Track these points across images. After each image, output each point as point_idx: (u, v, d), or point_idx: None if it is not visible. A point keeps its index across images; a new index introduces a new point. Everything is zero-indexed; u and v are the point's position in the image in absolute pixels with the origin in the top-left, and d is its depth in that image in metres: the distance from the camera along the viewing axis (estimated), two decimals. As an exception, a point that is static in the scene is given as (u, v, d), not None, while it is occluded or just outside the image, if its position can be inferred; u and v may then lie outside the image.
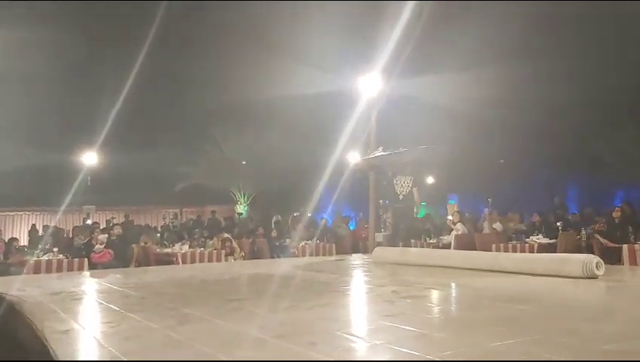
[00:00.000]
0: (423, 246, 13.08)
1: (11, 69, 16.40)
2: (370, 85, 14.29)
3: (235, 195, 22.35)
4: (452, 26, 16.80)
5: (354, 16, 16.73)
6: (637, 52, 15.61)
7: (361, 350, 3.78)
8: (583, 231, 10.50)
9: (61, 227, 16.50)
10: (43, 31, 16.61)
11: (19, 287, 7.60)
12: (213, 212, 18.20)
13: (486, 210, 12.92)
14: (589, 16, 15.37)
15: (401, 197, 10.24)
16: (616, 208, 10.52)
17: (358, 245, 15.08)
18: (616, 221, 10.13)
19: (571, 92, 16.67)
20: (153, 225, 18.28)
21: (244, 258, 12.55)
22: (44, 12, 17.53)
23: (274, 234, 13.89)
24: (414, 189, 10.05)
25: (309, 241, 13.62)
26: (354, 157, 18.46)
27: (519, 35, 16.37)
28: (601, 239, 9.95)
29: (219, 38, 19.78)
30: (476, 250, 10.93)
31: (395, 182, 10.40)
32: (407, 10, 12.33)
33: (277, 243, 13.50)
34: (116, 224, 13.57)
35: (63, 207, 16.72)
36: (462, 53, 16.55)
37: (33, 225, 17.48)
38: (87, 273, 10.06)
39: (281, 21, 17.37)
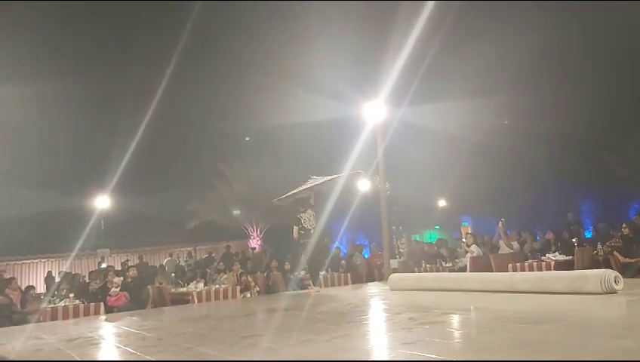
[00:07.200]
0: (438, 271, 12.99)
1: (25, 117, 16.72)
2: (377, 113, 14.40)
3: (247, 230, 22.37)
4: (465, 54, 16.99)
5: (364, 44, 16.94)
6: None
7: (379, 380, 3.72)
8: (600, 246, 10.37)
9: (77, 272, 16.53)
10: (56, 80, 17.02)
11: (36, 335, 7.62)
12: (227, 246, 18.14)
13: (500, 225, 12.85)
14: (597, 23, 15.46)
15: (312, 231, 10.16)
16: (624, 225, 10.42)
17: (374, 273, 14.97)
18: (630, 235, 10.02)
19: (581, 107, 16.67)
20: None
21: (259, 293, 12.50)
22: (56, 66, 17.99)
23: (287, 266, 13.83)
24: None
25: (324, 272, 13.53)
26: (364, 185, 18.48)
27: (528, 57, 16.51)
28: (619, 256, 9.82)
29: (226, 72, 20.07)
30: (492, 271, 10.81)
31: (302, 219, 10.31)
32: (417, 35, 12.52)
33: (291, 276, 13.44)
34: (131, 266, 13.59)
35: (75, 252, 16.81)
36: (479, 80, 16.72)
37: (49, 272, 17.54)
38: (103, 317, 10.07)
39: (290, 53, 17.57)
